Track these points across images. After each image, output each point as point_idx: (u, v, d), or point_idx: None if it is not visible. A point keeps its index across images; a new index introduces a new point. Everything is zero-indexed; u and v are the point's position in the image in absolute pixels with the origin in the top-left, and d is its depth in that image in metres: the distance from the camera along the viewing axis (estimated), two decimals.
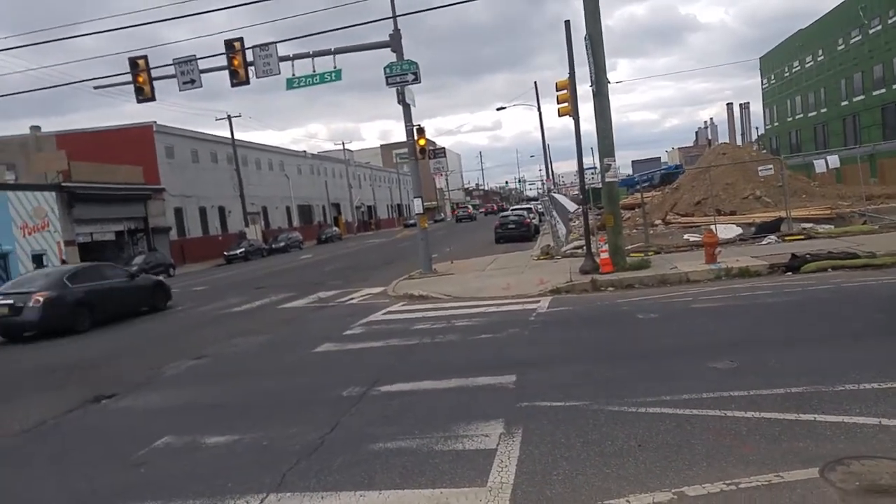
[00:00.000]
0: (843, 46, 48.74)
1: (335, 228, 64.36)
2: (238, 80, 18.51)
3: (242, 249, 42.62)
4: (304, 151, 70.88)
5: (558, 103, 15.76)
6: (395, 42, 18.78)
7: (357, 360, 8.97)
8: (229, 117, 49.47)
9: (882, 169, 39.65)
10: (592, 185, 62.79)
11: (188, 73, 19.14)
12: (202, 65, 19.18)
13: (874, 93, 44.75)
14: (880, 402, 5.15)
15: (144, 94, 19.27)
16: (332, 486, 4.75)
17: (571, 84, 15.49)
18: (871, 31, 44.49)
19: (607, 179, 15.09)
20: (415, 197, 19.23)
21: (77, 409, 7.83)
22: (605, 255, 14.55)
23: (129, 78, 19.50)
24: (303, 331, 12.05)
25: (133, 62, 19.16)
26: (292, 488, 4.79)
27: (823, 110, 53.11)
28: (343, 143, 75.31)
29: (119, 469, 5.63)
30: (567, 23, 15.46)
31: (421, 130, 19.35)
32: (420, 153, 18.96)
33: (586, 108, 15.73)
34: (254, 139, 59.99)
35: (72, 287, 14.89)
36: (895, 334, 7.26)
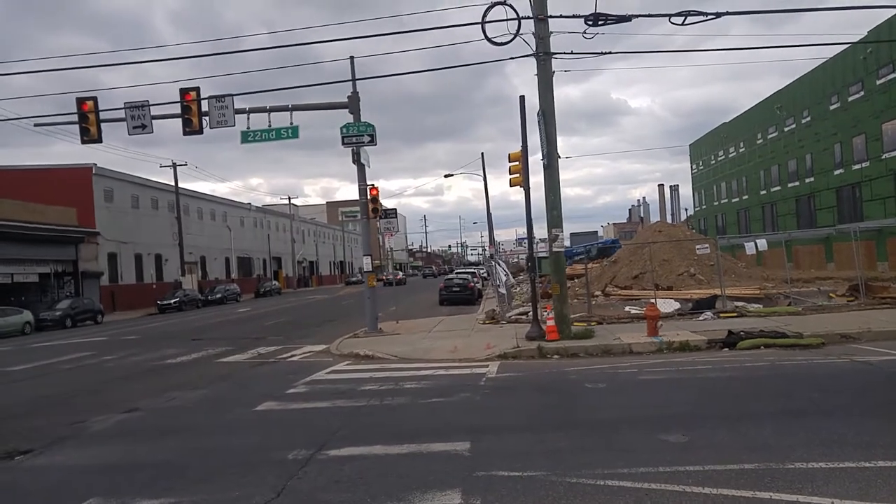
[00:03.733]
0: (761, 141, 52.58)
1: (275, 282, 63.05)
2: (192, 128, 18.25)
3: (177, 299, 41.14)
4: (249, 204, 69.95)
5: (510, 174, 16.20)
6: (353, 104, 19.06)
7: (302, 421, 8.61)
8: (174, 165, 48.53)
9: (796, 255, 42.26)
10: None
11: (139, 117, 18.75)
12: (153, 111, 18.90)
13: (789, 185, 48.22)
14: (830, 482, 5.27)
15: (91, 136, 18.71)
16: None
17: (524, 156, 15.99)
18: (786, 129, 48.31)
19: (555, 249, 15.45)
20: (364, 255, 19.12)
21: None
22: (551, 323, 14.72)
23: (70, 118, 18.98)
24: (243, 387, 11.53)
25: (80, 102, 18.66)
26: None
27: (745, 197, 56.57)
28: (289, 198, 74.74)
29: None
30: (522, 98, 16.09)
31: (375, 199, 19.43)
32: (373, 213, 18.99)
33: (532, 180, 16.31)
34: (192, 189, 58.60)
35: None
36: (833, 414, 7.52)
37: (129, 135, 19.06)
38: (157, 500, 5.70)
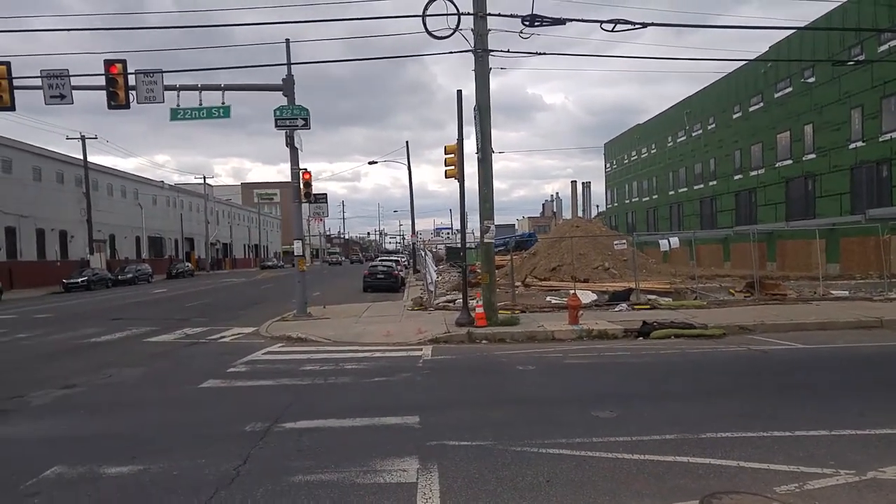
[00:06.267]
0: (671, 144, 55.87)
1: (188, 264, 60.84)
2: (117, 102, 17.63)
3: (85, 278, 39.00)
4: (162, 182, 66.96)
5: (445, 166, 16.70)
6: (287, 87, 18.95)
7: (250, 398, 8.82)
8: (83, 137, 45.76)
9: (698, 253, 45.37)
10: (449, 245, 65.13)
11: (58, 86, 17.94)
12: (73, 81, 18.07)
13: (694, 187, 51.58)
14: (735, 448, 6.14)
15: (3, 103, 17.67)
16: None
17: (459, 149, 16.53)
18: (693, 134, 51.61)
19: (486, 240, 16.14)
20: (296, 239, 19.12)
21: None
22: (479, 310, 15.41)
23: None
24: (180, 365, 11.51)
25: None
26: None
27: (654, 196, 59.91)
28: (204, 178, 72.04)
29: (7, 500, 5.20)
30: (459, 92, 16.61)
31: (308, 183, 19.44)
32: (305, 197, 19.03)
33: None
34: (99, 163, 55.29)
35: None
36: (736, 394, 8.54)
37: (46, 104, 18.21)
38: (125, 467, 5.85)
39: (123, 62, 18.00)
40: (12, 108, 18.03)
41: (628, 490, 5.18)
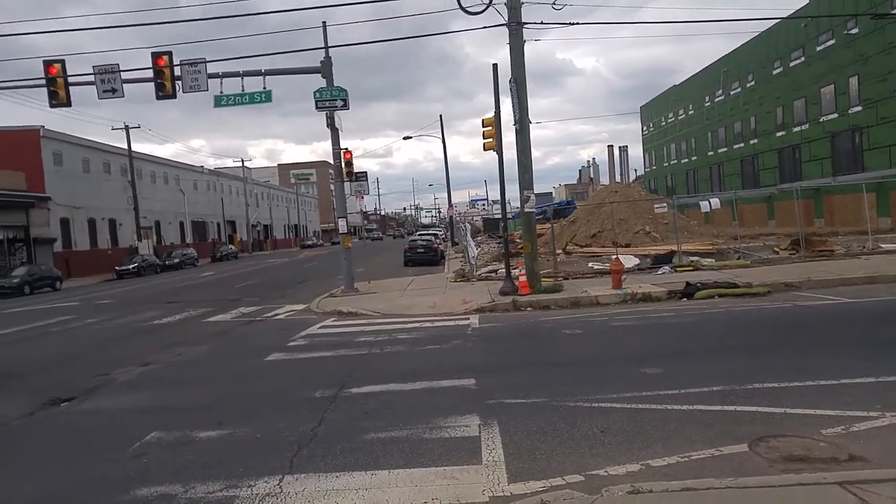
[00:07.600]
0: (709, 104, 54.59)
1: (231, 246, 62.56)
2: (165, 93, 18.30)
3: (135, 264, 40.65)
4: (202, 167, 68.57)
5: (484, 138, 16.96)
6: (326, 69, 19.33)
7: (315, 368, 9.41)
8: (127, 128, 47.22)
9: (741, 213, 44.56)
10: (486, 216, 65.11)
11: (109, 81, 18.69)
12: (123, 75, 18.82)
13: (734, 146, 50.46)
14: (781, 397, 6.42)
15: (59, 99, 18.54)
16: (342, 468, 5.30)
17: (497, 122, 16.75)
18: (732, 93, 50.30)
19: (526, 209, 16.39)
20: (339, 217, 19.68)
21: (39, 412, 7.74)
22: (523, 279, 15.75)
23: (23, 79, 18.78)
24: (243, 342, 12.19)
25: (48, 65, 18.44)
26: (305, 470, 5.29)
27: (694, 158, 58.81)
28: (242, 161, 73.45)
29: (120, 460, 5.83)
30: (495, 66, 16.77)
31: (350, 162, 19.91)
32: (347, 176, 19.52)
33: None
34: (139, 151, 56.99)
35: None
36: (780, 348, 8.76)
37: (99, 98, 19.03)
38: (214, 431, 6.45)
39: (169, 54, 18.59)
40: (68, 104, 18.90)
41: (679, 436, 5.52)
